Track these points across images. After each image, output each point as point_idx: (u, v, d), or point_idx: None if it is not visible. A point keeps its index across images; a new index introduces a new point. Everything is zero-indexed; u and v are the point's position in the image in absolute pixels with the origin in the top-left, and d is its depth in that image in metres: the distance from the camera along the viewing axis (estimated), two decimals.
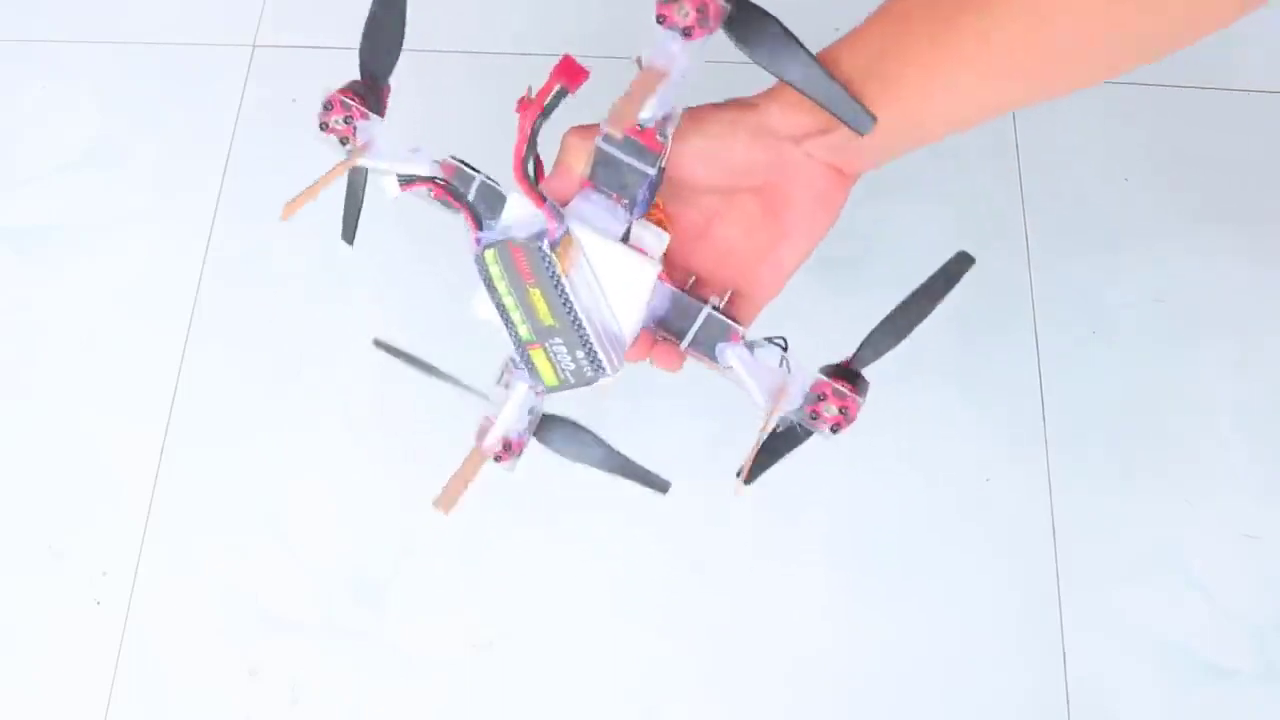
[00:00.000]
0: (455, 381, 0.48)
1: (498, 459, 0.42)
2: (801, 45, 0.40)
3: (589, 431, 0.43)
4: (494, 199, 0.42)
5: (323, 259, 0.56)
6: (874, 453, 0.61)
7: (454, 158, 0.43)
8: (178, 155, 0.70)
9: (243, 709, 0.55)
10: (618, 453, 0.43)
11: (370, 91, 0.44)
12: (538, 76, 0.77)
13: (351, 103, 0.42)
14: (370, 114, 0.42)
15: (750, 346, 0.41)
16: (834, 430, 0.42)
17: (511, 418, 0.41)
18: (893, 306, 0.43)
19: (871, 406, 0.63)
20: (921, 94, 0.38)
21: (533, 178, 0.39)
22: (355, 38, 0.80)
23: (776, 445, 0.42)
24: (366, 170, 0.43)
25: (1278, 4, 0.40)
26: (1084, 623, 0.57)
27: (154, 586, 0.58)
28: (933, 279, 0.44)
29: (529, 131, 0.38)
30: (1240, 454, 0.61)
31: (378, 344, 0.49)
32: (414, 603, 0.57)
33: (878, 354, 0.44)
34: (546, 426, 0.43)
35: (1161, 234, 0.67)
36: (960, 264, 0.44)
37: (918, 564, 0.58)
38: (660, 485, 0.42)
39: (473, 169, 0.43)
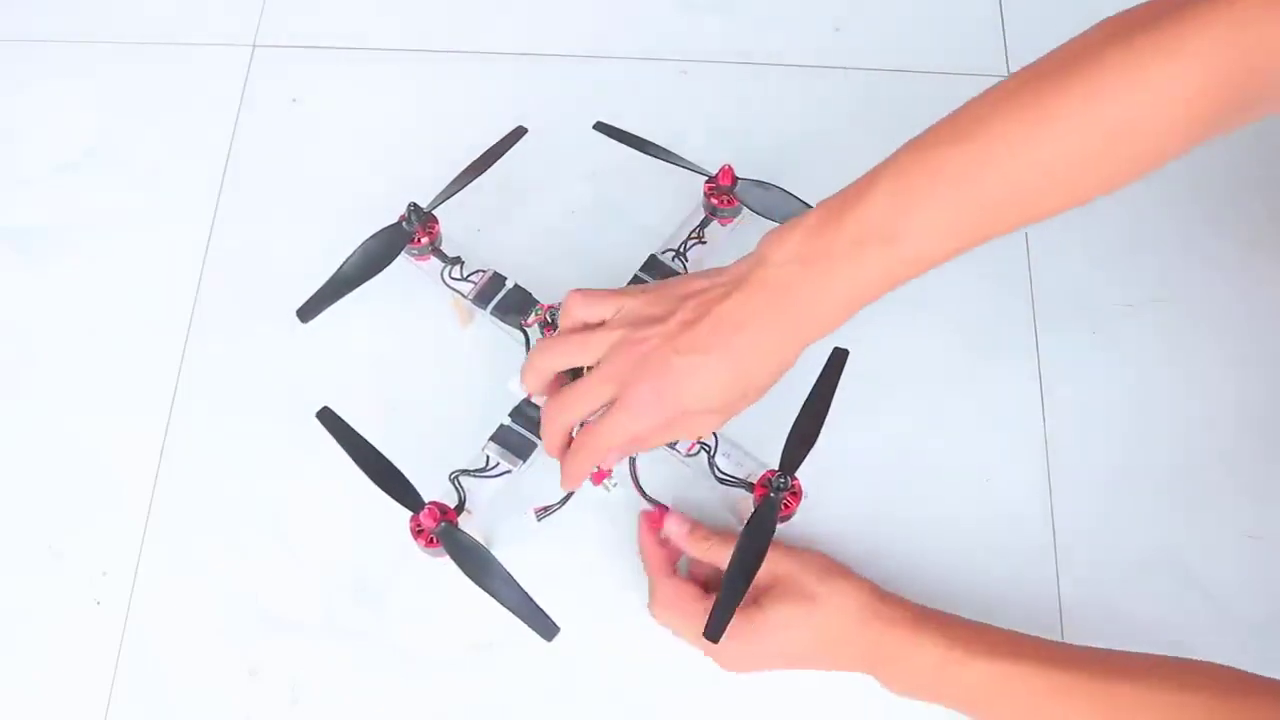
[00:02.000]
0: (673, 158, 0.59)
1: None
2: (500, 565, 0.49)
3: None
4: (525, 302, 0.56)
5: (323, 259, 0.56)
6: (873, 453, 0.61)
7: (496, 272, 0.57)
8: (178, 155, 0.70)
9: (243, 709, 0.55)
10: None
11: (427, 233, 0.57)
12: (539, 77, 0.77)
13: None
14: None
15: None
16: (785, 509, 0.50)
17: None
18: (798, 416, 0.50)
19: (870, 408, 0.63)
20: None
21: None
22: (355, 37, 0.80)
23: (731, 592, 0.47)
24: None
25: None
26: (1084, 623, 0.57)
27: (154, 586, 0.58)
28: (820, 383, 0.51)
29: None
30: (1240, 454, 0.61)
31: (599, 126, 0.61)
32: (414, 603, 0.57)
33: (798, 460, 0.50)
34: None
35: (1162, 234, 0.67)
36: (838, 360, 0.52)
37: (917, 564, 0.58)
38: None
39: (504, 277, 0.57)
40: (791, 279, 0.44)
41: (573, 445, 0.49)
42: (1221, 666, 0.45)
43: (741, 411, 0.47)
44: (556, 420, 0.48)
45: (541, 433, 0.50)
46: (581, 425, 0.49)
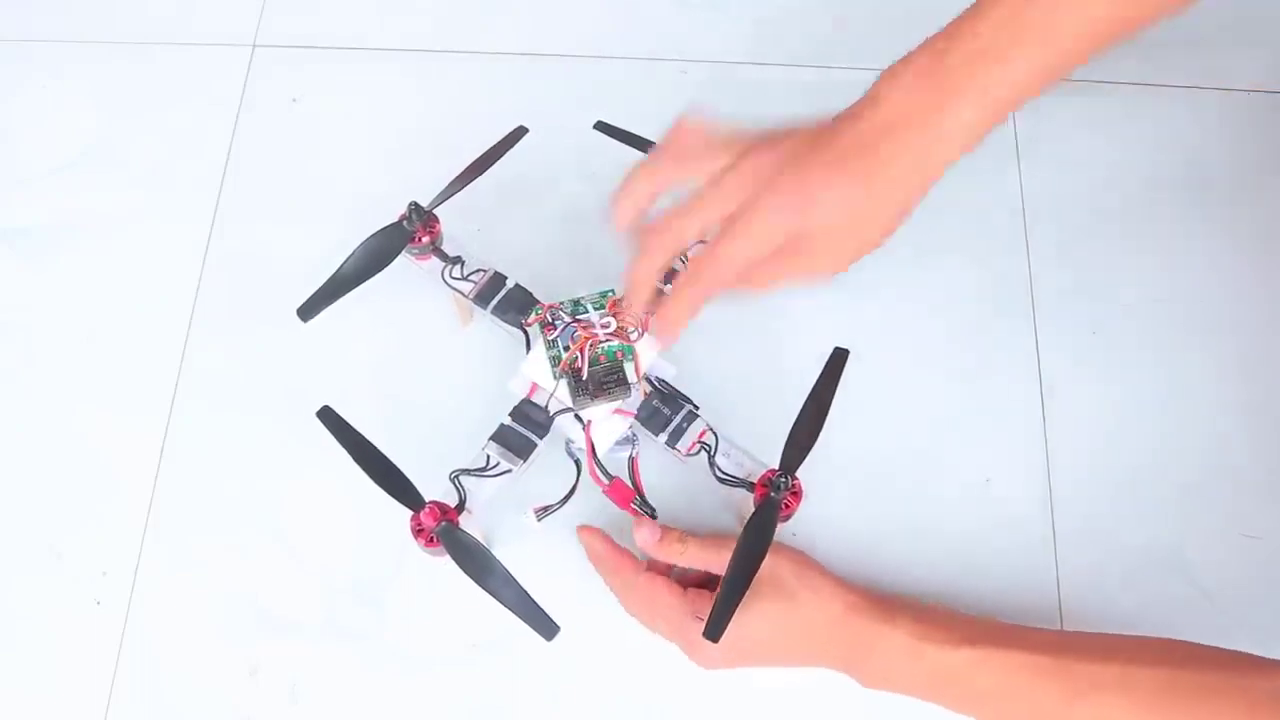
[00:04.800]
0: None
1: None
2: (500, 565, 0.48)
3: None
4: (525, 301, 0.57)
5: (323, 259, 0.56)
6: (873, 453, 0.61)
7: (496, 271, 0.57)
8: (178, 155, 0.70)
9: (243, 709, 0.55)
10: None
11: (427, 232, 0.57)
12: (539, 77, 0.77)
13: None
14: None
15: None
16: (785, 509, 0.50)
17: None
18: (799, 412, 0.50)
19: (871, 407, 0.63)
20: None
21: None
22: (355, 37, 0.80)
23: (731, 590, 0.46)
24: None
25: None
26: (1084, 624, 0.57)
27: (154, 586, 0.58)
28: (820, 383, 0.51)
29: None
30: (1240, 454, 0.61)
31: (599, 126, 0.60)
32: (414, 603, 0.57)
33: (798, 459, 0.50)
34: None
35: (1162, 234, 0.67)
36: (839, 359, 0.52)
37: (917, 564, 0.58)
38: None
39: (505, 276, 0.57)
40: (911, 107, 0.45)
41: (680, 280, 0.48)
42: (1174, 641, 0.47)
43: (857, 259, 0.47)
44: (659, 246, 0.48)
45: (629, 274, 0.49)
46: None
